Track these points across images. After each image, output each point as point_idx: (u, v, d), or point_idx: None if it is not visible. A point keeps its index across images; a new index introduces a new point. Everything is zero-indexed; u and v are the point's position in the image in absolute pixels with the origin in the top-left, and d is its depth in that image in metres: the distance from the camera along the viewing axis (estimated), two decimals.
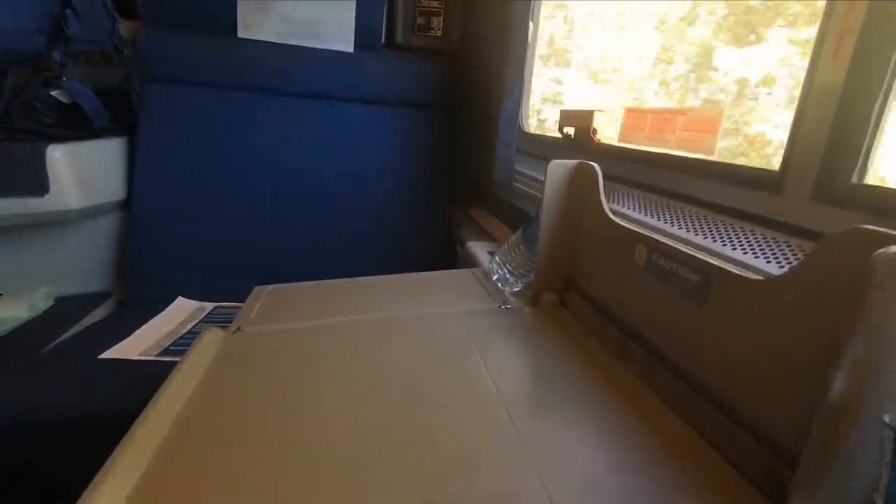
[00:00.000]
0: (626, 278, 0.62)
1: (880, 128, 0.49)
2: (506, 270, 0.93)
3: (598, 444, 0.47)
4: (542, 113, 1.50)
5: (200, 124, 1.34)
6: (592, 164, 0.71)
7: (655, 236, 0.56)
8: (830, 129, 0.52)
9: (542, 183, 0.74)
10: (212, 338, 0.65)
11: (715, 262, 0.47)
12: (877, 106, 0.49)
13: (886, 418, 0.28)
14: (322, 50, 1.40)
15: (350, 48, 1.42)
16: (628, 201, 0.82)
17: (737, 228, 0.60)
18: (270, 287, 0.85)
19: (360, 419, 0.50)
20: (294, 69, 1.38)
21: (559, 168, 0.73)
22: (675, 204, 0.74)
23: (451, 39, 1.53)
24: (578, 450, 0.46)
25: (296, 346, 0.64)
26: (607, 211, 0.67)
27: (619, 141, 0.95)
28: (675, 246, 0.53)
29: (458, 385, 0.56)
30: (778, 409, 0.40)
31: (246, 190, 1.38)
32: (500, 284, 0.90)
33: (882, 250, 0.29)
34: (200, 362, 0.59)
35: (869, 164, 0.50)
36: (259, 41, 1.36)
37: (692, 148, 0.73)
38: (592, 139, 1.01)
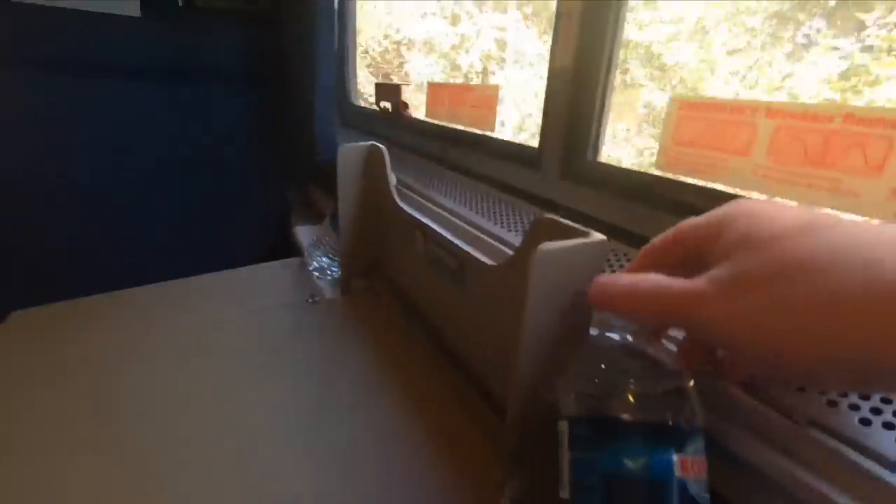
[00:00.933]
0: (413, 263, 0.62)
1: (605, 109, 0.53)
2: (324, 258, 0.89)
3: (379, 446, 0.47)
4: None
5: None
6: (380, 146, 0.69)
7: (427, 222, 0.56)
8: (568, 111, 0.55)
9: None
10: None
11: (466, 249, 0.48)
12: (600, 89, 0.53)
13: (561, 409, 0.31)
14: (100, 14, 1.19)
15: (136, 12, 1.22)
16: (429, 178, 0.82)
17: (505, 203, 0.63)
18: (34, 310, 0.72)
19: (126, 467, 0.44)
20: (65, 38, 1.15)
21: (350, 152, 0.71)
22: (464, 180, 0.75)
23: (263, 2, 1.39)
24: (363, 459, 0.46)
25: (55, 391, 0.55)
26: (394, 195, 0.66)
27: (425, 115, 0.94)
28: (440, 232, 0.53)
29: (239, 407, 0.52)
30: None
31: (19, 184, 1.15)
32: (317, 274, 0.87)
33: (540, 246, 0.30)
34: None
35: (600, 142, 0.55)
36: (11, 2, 1.11)
37: (480, 125, 0.75)
38: (403, 113, 0.99)
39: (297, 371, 0.58)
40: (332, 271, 0.86)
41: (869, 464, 0.25)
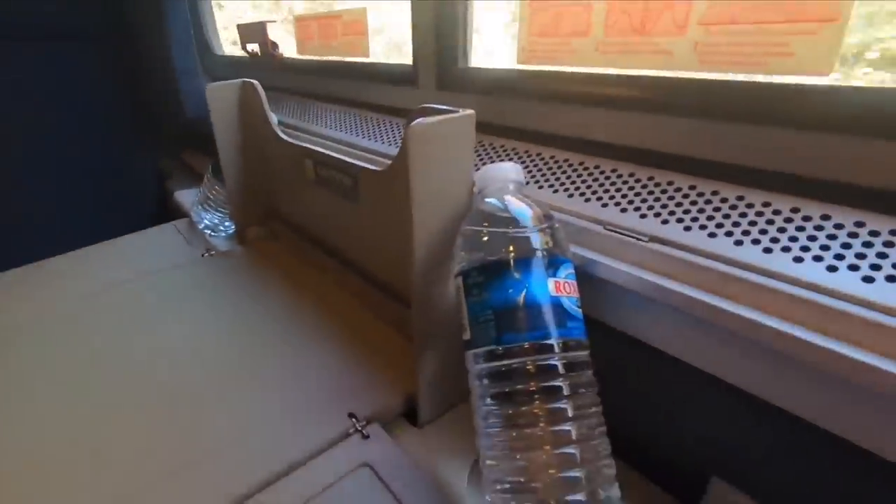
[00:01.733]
0: (306, 195, 0.62)
1: (470, 15, 0.56)
2: (213, 215, 0.85)
3: (297, 361, 0.48)
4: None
5: None
6: (252, 81, 0.66)
7: (316, 148, 0.56)
8: (435, 22, 0.57)
9: None
10: None
11: (357, 162, 0.49)
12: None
13: (454, 270, 0.34)
14: None
15: None
16: (310, 115, 0.81)
17: (390, 124, 0.65)
18: None
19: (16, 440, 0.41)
20: None
21: (221, 90, 0.67)
22: (346, 110, 0.75)
23: None
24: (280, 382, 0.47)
25: None
26: (276, 129, 0.64)
27: (297, 52, 0.91)
28: (331, 154, 0.54)
29: (153, 357, 0.50)
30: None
31: None
32: (209, 232, 0.83)
33: (412, 123, 0.33)
34: None
35: (469, 48, 0.57)
36: None
37: (353, 52, 0.74)
38: (273, 54, 0.95)
39: (204, 318, 0.57)
40: (224, 226, 0.83)
41: (697, 258, 0.32)
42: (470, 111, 0.35)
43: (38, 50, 1.15)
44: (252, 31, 0.99)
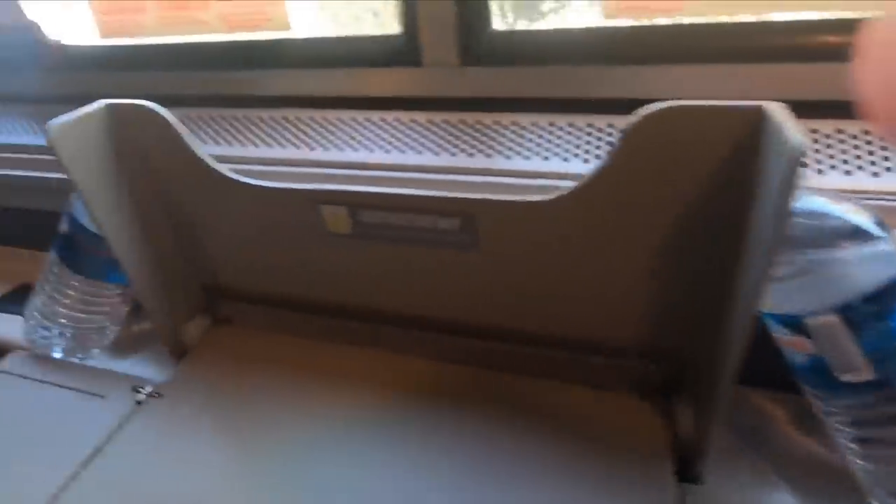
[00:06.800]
0: (321, 255, 0.42)
1: None
2: (73, 324, 0.51)
3: None
4: None
5: None
6: (145, 104, 0.38)
7: (356, 188, 0.37)
8: None
9: None
10: None
11: (475, 196, 0.34)
12: None
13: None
14: None
15: None
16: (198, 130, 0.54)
17: (376, 122, 0.47)
18: None
19: None
20: None
21: (77, 128, 0.37)
22: (278, 114, 0.52)
23: None
24: None
25: None
26: (223, 172, 0.40)
27: (102, 36, 0.57)
28: (397, 192, 0.36)
29: None
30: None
31: None
32: (78, 356, 0.50)
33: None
34: None
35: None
36: None
37: (253, 24, 0.50)
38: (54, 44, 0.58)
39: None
40: (101, 333, 0.51)
41: None
42: None
43: None
44: None
